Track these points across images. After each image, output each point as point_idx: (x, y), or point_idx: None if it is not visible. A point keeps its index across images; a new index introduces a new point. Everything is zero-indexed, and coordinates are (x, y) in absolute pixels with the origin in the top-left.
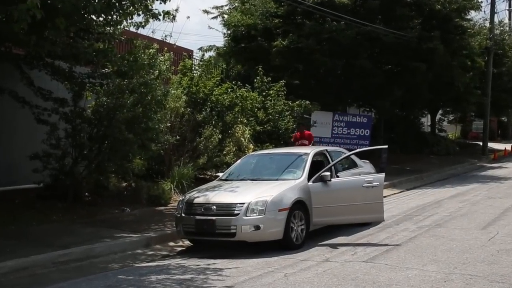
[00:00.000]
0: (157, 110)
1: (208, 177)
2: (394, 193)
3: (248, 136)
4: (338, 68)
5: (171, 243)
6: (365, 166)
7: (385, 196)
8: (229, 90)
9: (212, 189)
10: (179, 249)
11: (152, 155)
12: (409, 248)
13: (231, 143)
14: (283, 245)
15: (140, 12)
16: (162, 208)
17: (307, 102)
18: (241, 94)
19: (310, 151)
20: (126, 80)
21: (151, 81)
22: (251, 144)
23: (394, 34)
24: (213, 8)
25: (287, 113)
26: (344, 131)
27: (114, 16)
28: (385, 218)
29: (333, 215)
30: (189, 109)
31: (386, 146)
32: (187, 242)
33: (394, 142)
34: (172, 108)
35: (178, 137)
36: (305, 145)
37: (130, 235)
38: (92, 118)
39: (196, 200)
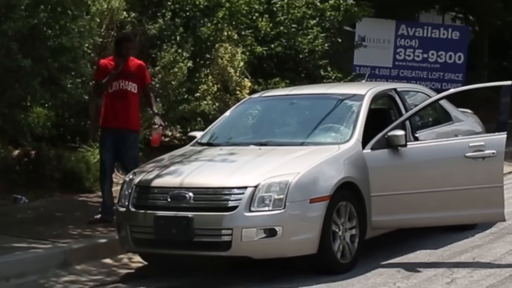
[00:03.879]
0: (77, 15)
1: (167, 139)
2: None
3: (242, 64)
4: None
5: (108, 261)
6: (466, 120)
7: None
8: None
9: (185, 161)
10: (123, 271)
11: (67, 99)
12: None
13: (211, 77)
14: (319, 266)
15: None
16: (87, 196)
17: (350, 1)
18: None
19: (365, 91)
20: None
21: None
22: (246, 80)
23: None
24: None
25: (312, 21)
26: (417, 56)
27: None
28: (506, 215)
29: (411, 210)
30: (133, 14)
31: (510, 83)
32: (137, 259)
33: (508, 76)
34: (103, 11)
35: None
36: (127, 93)
37: (32, 245)
38: None
39: (156, 182)
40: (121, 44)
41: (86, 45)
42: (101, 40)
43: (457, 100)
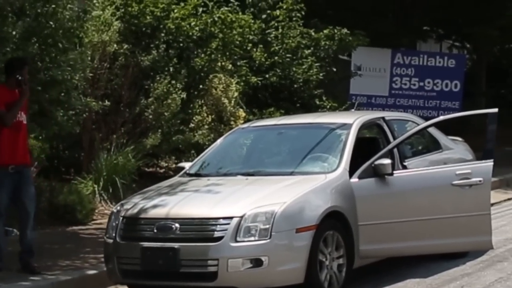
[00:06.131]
0: (68, 48)
1: (162, 171)
2: (509, 198)
3: (236, 94)
4: None
5: None
6: (456, 147)
7: (492, 204)
8: (200, 10)
9: (172, 192)
10: None
11: (59, 131)
12: None
13: (205, 107)
14: None
15: None
16: (79, 228)
17: (345, 30)
18: (222, 16)
19: (353, 120)
20: None
21: None
22: (241, 110)
23: None
24: None
25: (307, 51)
26: (413, 84)
27: None
28: (494, 243)
29: (399, 238)
30: (126, 46)
31: (496, 110)
32: None
33: (506, 104)
34: (95, 44)
35: (107, 99)
36: (22, 125)
37: (20, 277)
38: None
39: (143, 213)
40: (23, 69)
41: (77, 77)
42: (91, 74)
43: (454, 128)
